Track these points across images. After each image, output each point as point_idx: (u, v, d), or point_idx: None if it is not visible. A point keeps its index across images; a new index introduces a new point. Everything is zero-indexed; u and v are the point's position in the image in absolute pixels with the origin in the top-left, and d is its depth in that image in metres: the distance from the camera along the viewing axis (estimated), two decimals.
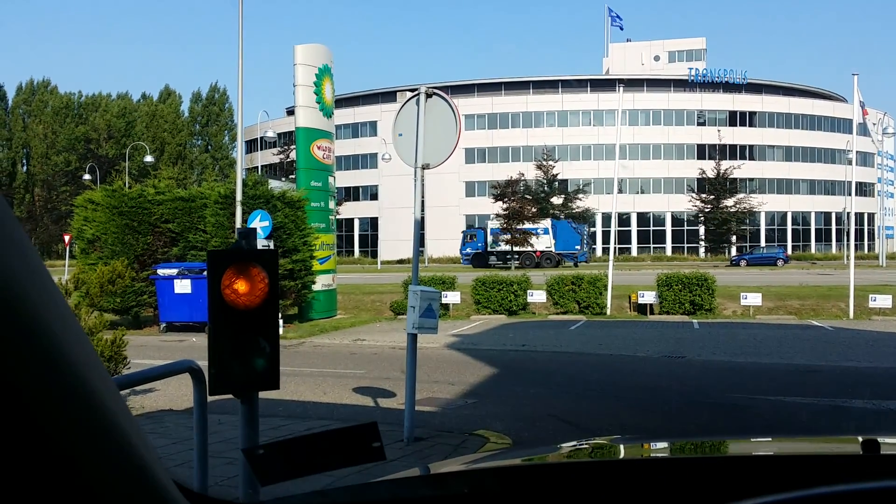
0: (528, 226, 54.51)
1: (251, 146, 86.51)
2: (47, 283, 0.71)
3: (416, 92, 7.16)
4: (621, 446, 2.17)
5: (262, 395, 11.34)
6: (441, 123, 7.11)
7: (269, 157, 72.99)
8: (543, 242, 55.32)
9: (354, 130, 79.84)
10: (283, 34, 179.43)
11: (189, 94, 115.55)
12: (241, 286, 3.63)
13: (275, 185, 22.52)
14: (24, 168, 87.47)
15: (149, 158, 55.81)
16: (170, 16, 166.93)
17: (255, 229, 3.89)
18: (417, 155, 7.11)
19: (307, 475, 1.39)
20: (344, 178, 76.47)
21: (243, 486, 3.77)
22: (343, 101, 76.97)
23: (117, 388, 0.81)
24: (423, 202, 65.25)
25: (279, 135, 54.72)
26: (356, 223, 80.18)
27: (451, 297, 23.87)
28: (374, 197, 76.99)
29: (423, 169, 7.20)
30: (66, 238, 21.31)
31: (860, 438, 1.62)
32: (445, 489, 1.55)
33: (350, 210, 75.92)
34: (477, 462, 2.11)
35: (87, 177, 60.19)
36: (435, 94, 7.16)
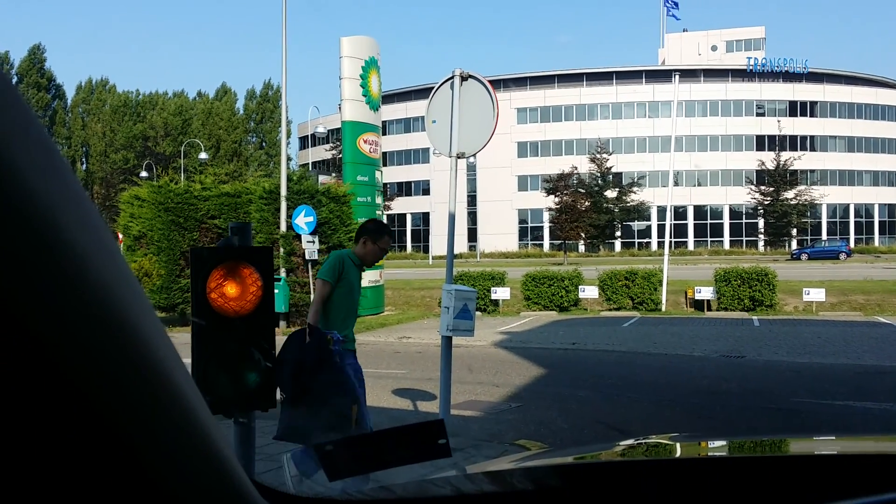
0: None
1: (304, 143, 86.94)
2: (134, 283, 0.70)
3: (451, 75, 6.64)
4: (677, 445, 2.16)
5: None
6: (477, 108, 6.55)
7: (321, 153, 73.16)
8: None
9: (406, 125, 79.47)
10: (338, 29, 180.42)
11: (244, 91, 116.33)
12: (230, 289, 3.16)
13: (324, 180, 22.25)
14: (84, 166, 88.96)
15: (203, 155, 56.11)
16: (226, 14, 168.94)
17: (249, 224, 3.43)
18: (452, 143, 6.57)
19: (374, 471, 1.41)
20: (396, 174, 76.45)
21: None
22: (395, 97, 76.83)
23: (194, 381, 0.79)
24: (474, 196, 64.92)
25: (330, 131, 54.61)
26: (408, 218, 79.89)
27: (501, 293, 23.39)
28: (426, 192, 76.64)
29: (459, 158, 6.67)
30: (119, 236, 21.28)
31: None
32: (509, 486, 1.56)
33: (402, 205, 75.69)
34: (534, 459, 2.21)
35: (143, 174, 60.62)
36: (471, 76, 6.61)
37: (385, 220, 27.95)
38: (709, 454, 2.02)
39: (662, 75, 74.31)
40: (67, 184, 0.63)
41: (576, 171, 59.85)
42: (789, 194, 61.91)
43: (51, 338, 0.57)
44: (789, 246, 65.68)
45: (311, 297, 18.98)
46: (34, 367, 0.57)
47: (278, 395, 5.55)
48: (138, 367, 0.66)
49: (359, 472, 1.43)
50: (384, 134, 28.60)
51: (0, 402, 0.56)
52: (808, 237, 68.60)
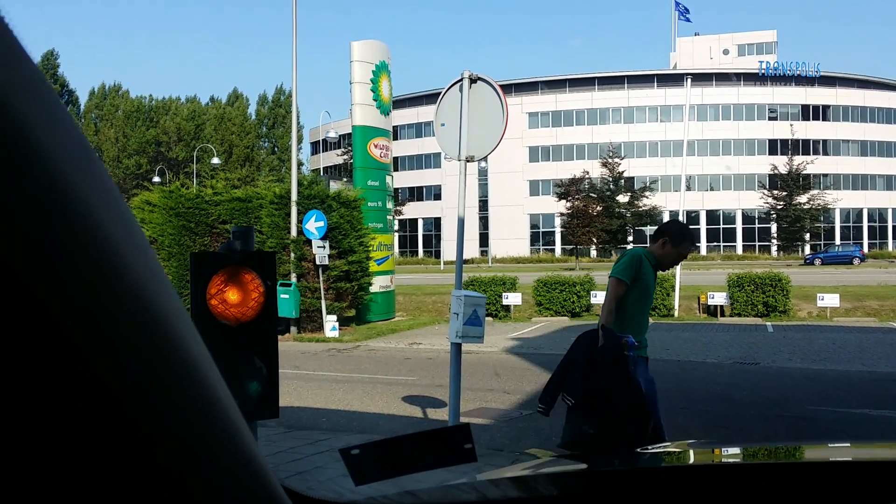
0: None
1: (316, 147, 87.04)
2: (166, 281, 0.70)
3: (460, 78, 6.55)
4: (690, 452, 2.15)
5: (308, 404, 10.71)
6: (487, 111, 6.46)
7: (332, 158, 73.16)
8: None
9: (418, 130, 79.42)
10: (348, 34, 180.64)
11: (256, 96, 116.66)
12: (231, 295, 3.07)
13: (335, 186, 22.20)
14: None
15: (215, 160, 56.24)
16: (238, 19, 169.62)
17: (251, 228, 3.34)
18: (461, 146, 6.48)
19: (400, 476, 1.40)
20: (407, 178, 76.36)
21: None
22: (406, 101, 76.79)
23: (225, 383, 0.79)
24: (486, 201, 64.71)
25: (342, 136, 54.55)
26: (420, 223, 79.81)
27: (512, 299, 23.26)
28: (438, 197, 76.54)
29: (468, 161, 6.58)
30: None
31: None
32: (534, 491, 1.58)
33: (414, 210, 75.59)
34: (548, 466, 2.18)
35: (156, 179, 60.67)
36: (480, 78, 6.53)
37: (395, 225, 27.58)
38: (722, 461, 2.00)
39: (674, 79, 74.08)
40: (103, 180, 0.63)
41: (587, 176, 59.63)
42: (802, 199, 61.51)
43: (85, 333, 0.57)
44: (802, 251, 65.26)
45: (321, 303, 18.93)
46: (68, 363, 0.56)
47: (567, 401, 5.16)
48: (172, 366, 0.65)
49: (384, 477, 1.41)
50: (395, 139, 28.58)
51: (31, 396, 0.56)
52: (822, 242, 68.12)
